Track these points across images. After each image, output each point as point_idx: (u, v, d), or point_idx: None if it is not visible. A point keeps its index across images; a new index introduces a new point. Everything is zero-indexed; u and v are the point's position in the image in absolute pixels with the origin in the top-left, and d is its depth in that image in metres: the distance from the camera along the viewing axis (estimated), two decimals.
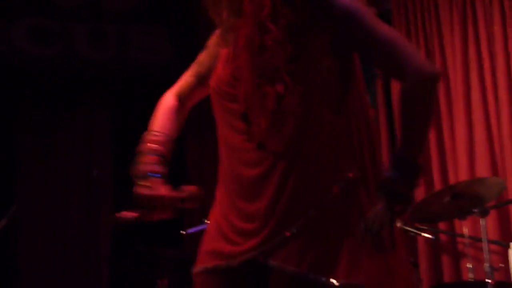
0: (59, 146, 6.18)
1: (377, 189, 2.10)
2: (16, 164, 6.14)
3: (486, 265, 4.20)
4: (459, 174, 5.30)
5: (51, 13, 5.67)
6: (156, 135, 2.38)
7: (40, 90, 5.82)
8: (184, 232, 4.51)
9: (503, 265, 4.67)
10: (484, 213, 4.28)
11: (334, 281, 2.05)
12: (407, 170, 2.07)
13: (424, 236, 4.98)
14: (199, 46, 2.60)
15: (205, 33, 2.66)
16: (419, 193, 5.17)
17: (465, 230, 4.82)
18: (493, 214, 4.81)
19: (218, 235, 2.27)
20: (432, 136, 5.54)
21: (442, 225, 5.30)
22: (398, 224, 4.62)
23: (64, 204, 6.02)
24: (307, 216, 2.12)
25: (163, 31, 6.28)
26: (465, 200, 4.35)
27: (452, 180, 5.28)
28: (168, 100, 2.47)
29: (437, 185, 5.34)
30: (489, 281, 4.21)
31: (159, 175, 2.27)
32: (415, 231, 4.84)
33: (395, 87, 5.46)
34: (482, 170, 5.20)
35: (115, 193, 6.06)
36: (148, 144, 2.36)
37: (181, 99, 2.50)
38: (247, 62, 2.15)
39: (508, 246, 4.64)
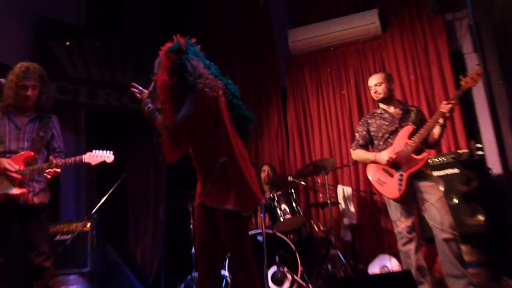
0: (143, 146, 6.00)
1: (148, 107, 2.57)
2: (125, 153, 5.95)
3: (327, 195, 4.69)
4: (316, 156, 5.67)
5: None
6: None
7: (140, 119, 5.67)
8: None
9: (334, 196, 5.19)
10: (327, 173, 4.83)
11: (226, 207, 2.49)
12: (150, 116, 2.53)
13: (303, 184, 5.36)
14: None
15: None
16: (300, 165, 5.65)
17: (318, 180, 5.22)
18: (331, 173, 5.27)
19: (198, 190, 2.68)
20: (304, 138, 5.82)
21: (310, 179, 5.37)
22: (290, 178, 5.10)
23: (146, 172, 6.03)
24: (212, 182, 2.50)
25: None
26: (319, 168, 4.85)
27: (313, 158, 5.60)
28: None
29: (307, 161, 5.62)
30: (328, 202, 4.66)
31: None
32: (299, 181, 5.18)
33: (289, 113, 5.96)
34: (326, 154, 5.61)
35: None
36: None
37: None
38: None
39: (336, 186, 5.30)
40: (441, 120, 3.62)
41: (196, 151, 2.60)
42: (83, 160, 3.35)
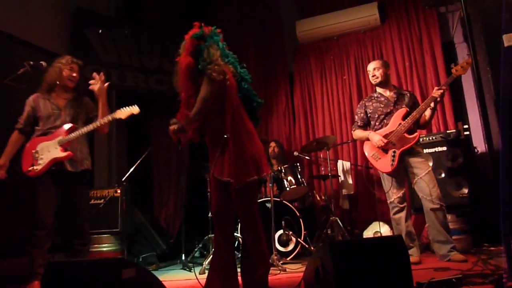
0: (167, 123, 6.04)
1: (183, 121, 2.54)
2: (151, 129, 6.01)
3: (329, 168, 4.64)
4: (319, 134, 5.62)
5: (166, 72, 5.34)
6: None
7: (163, 99, 5.20)
8: None
9: (334, 169, 5.12)
10: (328, 149, 4.79)
11: (223, 179, 2.50)
12: (186, 123, 2.49)
13: (307, 158, 5.31)
14: None
15: None
16: (304, 141, 5.60)
17: (321, 155, 5.24)
18: (332, 149, 5.16)
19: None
20: (309, 117, 5.77)
21: (313, 154, 5.43)
22: (296, 153, 5.04)
23: (169, 146, 5.92)
24: (217, 156, 2.51)
25: None
26: (321, 144, 4.84)
27: (317, 136, 5.56)
28: None
29: (311, 138, 5.58)
30: (329, 174, 4.64)
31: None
32: (304, 156, 5.15)
33: (296, 102, 5.87)
34: (327, 132, 5.57)
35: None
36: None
37: None
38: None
39: (336, 161, 5.28)
40: (432, 104, 3.58)
41: (206, 128, 2.59)
42: (115, 117, 3.40)
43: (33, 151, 3.30)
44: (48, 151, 3.27)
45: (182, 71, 2.53)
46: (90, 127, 3.35)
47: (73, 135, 3.32)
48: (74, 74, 3.44)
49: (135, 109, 3.42)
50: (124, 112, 3.40)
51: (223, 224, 2.58)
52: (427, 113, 3.66)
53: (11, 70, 3.28)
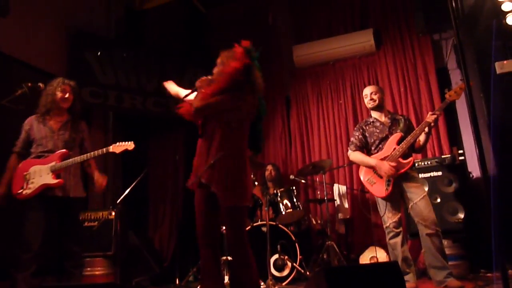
0: (163, 145, 6.06)
1: None
2: (147, 150, 5.95)
3: (325, 192, 4.68)
4: (315, 158, 5.67)
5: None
6: None
7: (160, 121, 5.55)
8: None
9: (330, 193, 5.19)
10: (324, 173, 4.79)
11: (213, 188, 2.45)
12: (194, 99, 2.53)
13: (303, 182, 5.24)
14: None
15: None
16: (300, 165, 5.66)
17: (317, 179, 5.22)
18: (328, 173, 5.18)
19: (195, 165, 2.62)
20: (305, 141, 5.81)
21: (309, 177, 5.32)
22: (292, 177, 5.02)
23: (165, 167, 5.99)
24: (211, 168, 2.44)
25: None
26: (317, 168, 4.84)
27: (313, 159, 5.62)
28: None
29: (307, 162, 5.63)
30: (325, 198, 4.64)
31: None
32: (300, 179, 5.11)
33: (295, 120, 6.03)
34: (324, 156, 5.62)
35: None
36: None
37: None
38: None
39: (332, 185, 5.27)
40: (426, 129, 3.60)
41: (215, 133, 2.53)
42: (109, 150, 3.40)
43: (25, 173, 3.28)
44: (40, 176, 3.26)
45: (225, 73, 2.50)
46: (84, 157, 3.35)
47: (65, 162, 3.31)
48: (67, 95, 3.45)
49: (130, 145, 3.45)
50: (118, 147, 3.42)
51: (213, 244, 2.53)
52: (422, 137, 3.67)
53: (9, 91, 3.26)
